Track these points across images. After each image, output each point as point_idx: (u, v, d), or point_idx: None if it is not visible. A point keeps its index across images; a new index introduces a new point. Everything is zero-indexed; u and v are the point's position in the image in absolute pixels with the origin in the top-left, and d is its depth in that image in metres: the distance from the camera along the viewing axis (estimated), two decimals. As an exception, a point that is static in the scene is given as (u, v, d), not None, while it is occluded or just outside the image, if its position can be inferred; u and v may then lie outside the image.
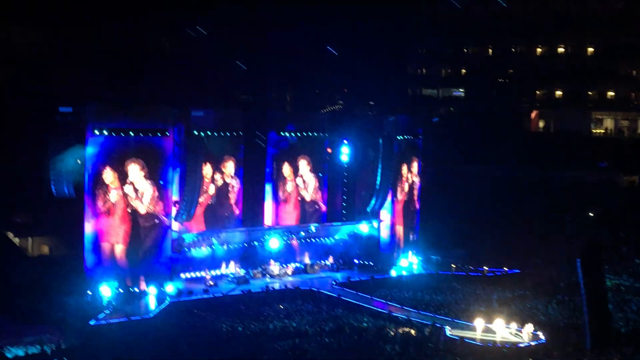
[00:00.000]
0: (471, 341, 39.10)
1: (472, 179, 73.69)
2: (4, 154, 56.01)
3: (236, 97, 72.02)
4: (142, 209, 47.24)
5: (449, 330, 40.60)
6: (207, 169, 50.75)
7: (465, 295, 49.74)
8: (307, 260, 54.89)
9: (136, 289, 45.86)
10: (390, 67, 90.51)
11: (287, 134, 54.99)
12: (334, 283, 51.22)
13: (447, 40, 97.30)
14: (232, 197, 52.65)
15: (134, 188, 46.99)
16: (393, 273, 54.93)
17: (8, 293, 42.44)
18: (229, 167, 52.25)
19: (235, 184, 52.67)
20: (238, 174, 52.73)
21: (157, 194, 47.59)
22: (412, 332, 41.52)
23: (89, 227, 46.02)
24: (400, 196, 58.39)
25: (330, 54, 79.06)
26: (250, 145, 53.53)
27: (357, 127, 58.33)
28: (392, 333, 40.99)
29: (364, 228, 57.04)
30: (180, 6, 69.01)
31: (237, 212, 53.01)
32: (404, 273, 55.19)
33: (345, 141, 57.79)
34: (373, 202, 56.07)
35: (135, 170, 46.87)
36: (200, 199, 49.98)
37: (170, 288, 46.41)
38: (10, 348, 36.39)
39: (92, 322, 40.21)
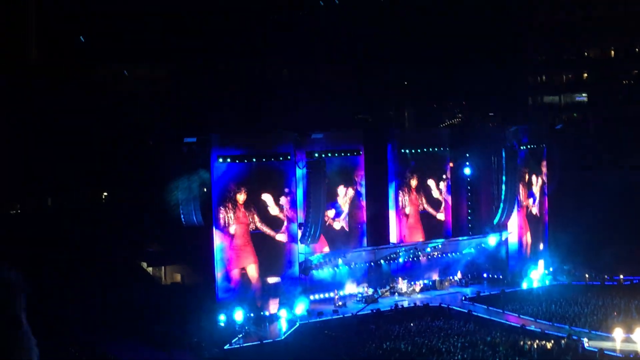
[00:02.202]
0: (611, 352, 37.78)
1: (601, 185, 71.32)
2: (135, 188, 58.00)
3: (354, 118, 72.29)
4: (269, 232, 48.00)
5: (586, 342, 39.38)
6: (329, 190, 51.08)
7: (601, 306, 48.12)
8: (435, 276, 54.39)
9: (267, 312, 46.47)
10: (508, 77, 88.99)
11: (407, 151, 54.75)
12: (464, 298, 50.54)
13: (567, 45, 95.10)
14: (356, 216, 52.69)
15: (260, 212, 47.81)
16: (524, 285, 53.77)
17: (144, 320, 43.70)
18: (350, 188, 52.38)
19: (357, 203, 52.71)
20: (358, 193, 52.78)
21: (282, 217, 48.30)
22: (548, 345, 40.42)
23: (218, 254, 47.04)
24: (526, 206, 57.22)
25: (445, 67, 78.36)
26: (370, 163, 53.53)
27: (478, 139, 57.55)
28: (527, 347, 40.03)
29: (491, 241, 56.02)
30: (295, 33, 70.07)
31: (361, 231, 53.03)
32: (535, 285, 53.93)
33: (467, 154, 57.11)
34: (499, 214, 55.12)
35: (260, 195, 47.73)
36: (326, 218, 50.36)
37: (299, 310, 46.82)
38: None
39: (226, 347, 40.96)
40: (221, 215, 46.92)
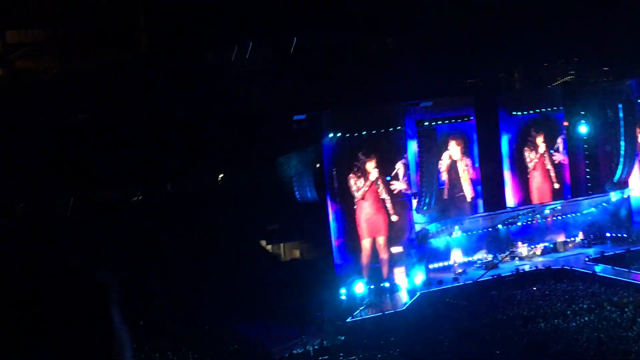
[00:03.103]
0: None
1: None
2: (249, 168, 58.97)
3: (464, 83, 71.26)
4: (386, 203, 48.08)
5: None
6: (444, 157, 50.69)
7: None
8: (556, 238, 53.35)
9: (387, 284, 46.67)
10: (620, 27, 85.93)
11: (518, 113, 53.65)
12: (587, 259, 49.45)
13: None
14: (470, 182, 52.12)
15: (375, 183, 47.90)
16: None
17: (267, 298, 44.62)
18: (459, 151, 51.75)
19: (470, 168, 52.11)
20: (472, 156, 52.12)
21: (398, 186, 48.29)
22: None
23: (335, 228, 47.43)
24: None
25: (554, 24, 76.23)
26: (483, 127, 52.76)
27: (592, 95, 55.93)
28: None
29: (613, 199, 54.49)
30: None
31: (477, 196, 52.48)
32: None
33: (582, 112, 55.61)
34: (619, 171, 53.59)
35: (372, 166, 47.82)
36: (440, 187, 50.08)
37: (419, 279, 46.84)
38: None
39: (349, 319, 41.40)
40: (338, 188, 47.16)
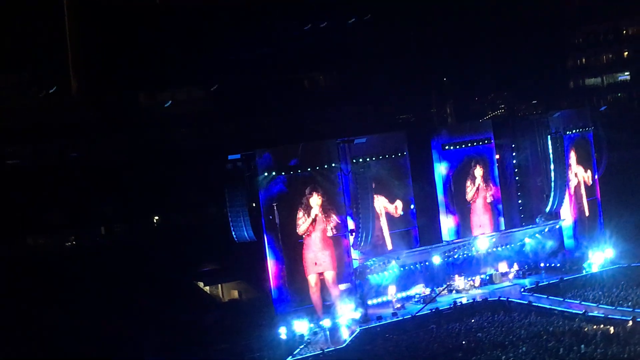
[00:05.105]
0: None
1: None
2: (185, 209, 58.63)
3: (397, 118, 72.09)
4: (331, 239, 48.10)
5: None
6: (378, 198, 50.80)
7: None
8: (491, 270, 53.93)
9: (326, 321, 46.46)
10: (548, 62, 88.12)
11: (450, 148, 54.22)
12: (523, 290, 50.07)
13: (605, 24, 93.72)
14: (404, 218, 52.38)
15: (315, 219, 47.84)
16: (583, 271, 53.08)
17: (205, 339, 44.07)
18: (396, 190, 52.08)
19: (403, 206, 52.33)
20: (409, 194, 52.50)
21: (335, 224, 48.38)
22: (611, 329, 39.89)
23: (273, 266, 47.20)
24: (577, 191, 56.57)
25: (484, 57, 77.85)
26: (416, 164, 53.21)
27: (522, 128, 57.00)
28: (591, 333, 39.53)
29: (545, 230, 55.43)
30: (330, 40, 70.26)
31: (413, 232, 52.80)
32: (594, 270, 53.18)
33: (512, 145, 56.63)
34: (550, 202, 54.59)
35: (315, 202, 47.81)
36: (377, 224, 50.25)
37: (358, 315, 46.79)
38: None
39: (289, 359, 41.11)
40: (274, 227, 47.07)
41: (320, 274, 48.00)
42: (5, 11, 59.89)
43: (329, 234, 48.21)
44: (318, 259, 47.90)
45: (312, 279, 47.68)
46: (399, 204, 51.89)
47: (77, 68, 62.50)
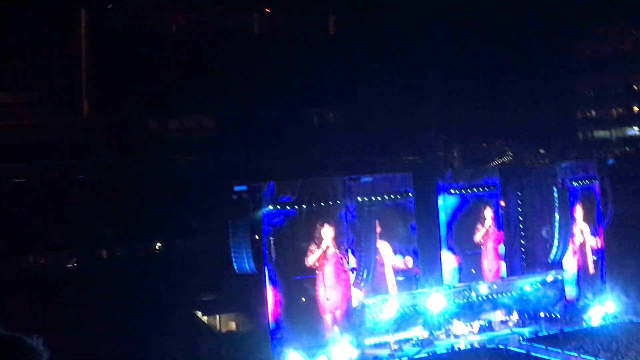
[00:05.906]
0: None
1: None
2: (187, 237, 58.56)
3: (403, 159, 72.18)
4: (329, 280, 47.82)
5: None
6: (382, 244, 50.60)
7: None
8: (491, 317, 53.60)
9: (322, 358, 46.07)
10: (558, 113, 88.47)
11: (456, 192, 54.26)
12: (522, 339, 49.72)
13: (616, 78, 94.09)
14: (409, 260, 52.17)
15: (325, 252, 47.65)
16: (583, 323, 52.75)
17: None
18: (400, 237, 51.91)
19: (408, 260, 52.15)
20: (412, 241, 52.22)
21: (339, 261, 48.18)
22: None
23: (272, 300, 46.93)
24: (582, 243, 56.41)
25: (495, 106, 78.13)
26: (421, 205, 53.12)
27: (529, 177, 57.02)
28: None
29: (547, 279, 55.14)
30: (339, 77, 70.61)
31: (416, 273, 52.53)
32: (594, 323, 52.84)
33: (518, 193, 56.59)
34: (554, 252, 54.40)
35: (327, 234, 47.69)
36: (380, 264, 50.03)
37: (355, 354, 46.44)
38: None
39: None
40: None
41: (331, 310, 47.62)
42: (23, 32, 60.39)
43: (346, 267, 47.93)
44: (329, 295, 47.58)
45: (303, 317, 47.25)
46: (408, 260, 51.71)
47: (90, 90, 62.85)
